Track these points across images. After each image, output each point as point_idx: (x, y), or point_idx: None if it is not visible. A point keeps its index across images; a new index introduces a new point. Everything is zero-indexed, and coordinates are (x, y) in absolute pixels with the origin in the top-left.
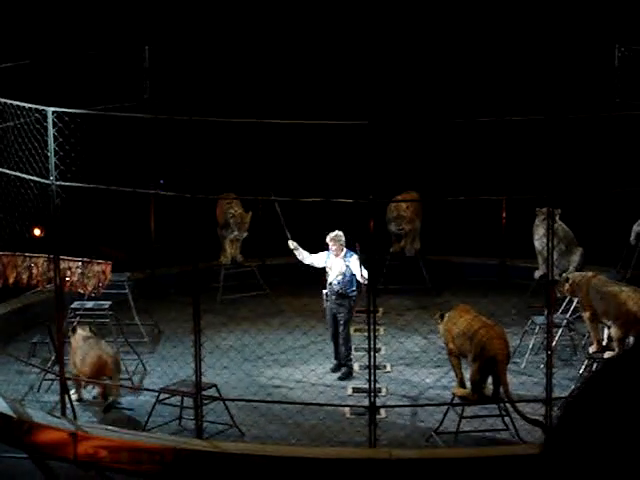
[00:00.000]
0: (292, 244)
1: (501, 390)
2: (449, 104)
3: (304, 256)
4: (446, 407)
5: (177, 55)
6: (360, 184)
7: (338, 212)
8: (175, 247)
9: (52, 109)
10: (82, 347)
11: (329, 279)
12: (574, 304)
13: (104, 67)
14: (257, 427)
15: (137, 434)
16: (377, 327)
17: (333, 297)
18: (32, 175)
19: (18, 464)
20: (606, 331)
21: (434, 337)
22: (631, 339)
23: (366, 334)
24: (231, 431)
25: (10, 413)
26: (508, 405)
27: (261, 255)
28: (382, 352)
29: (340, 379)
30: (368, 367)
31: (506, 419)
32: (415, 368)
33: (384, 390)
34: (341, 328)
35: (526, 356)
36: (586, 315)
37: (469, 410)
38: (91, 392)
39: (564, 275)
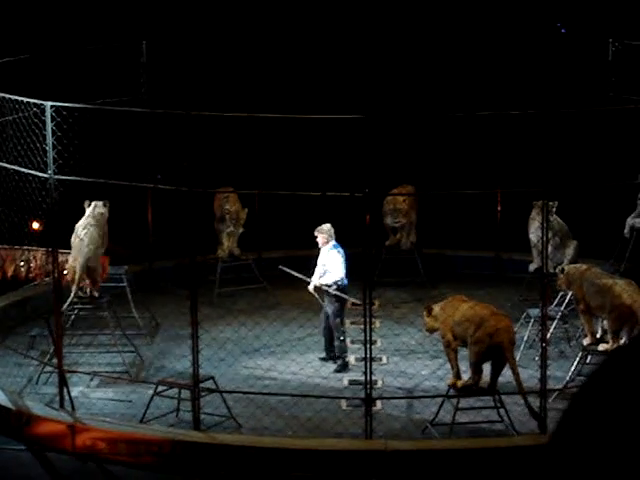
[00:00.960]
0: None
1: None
2: (445, 98)
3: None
4: (441, 399)
5: (174, 50)
6: (356, 177)
7: (334, 205)
8: (172, 240)
9: (50, 103)
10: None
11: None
12: (568, 297)
13: (102, 62)
14: (254, 419)
15: (135, 426)
16: (373, 320)
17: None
18: (31, 169)
19: (17, 456)
20: (600, 323)
21: None
22: (624, 331)
23: (362, 327)
24: (228, 423)
25: (9, 405)
26: (503, 397)
27: (258, 248)
28: (378, 344)
29: (336, 372)
30: (364, 359)
31: (501, 411)
32: (411, 360)
33: (380, 382)
34: (328, 321)
35: (521, 348)
36: (579, 307)
37: (464, 402)
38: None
39: (559, 267)
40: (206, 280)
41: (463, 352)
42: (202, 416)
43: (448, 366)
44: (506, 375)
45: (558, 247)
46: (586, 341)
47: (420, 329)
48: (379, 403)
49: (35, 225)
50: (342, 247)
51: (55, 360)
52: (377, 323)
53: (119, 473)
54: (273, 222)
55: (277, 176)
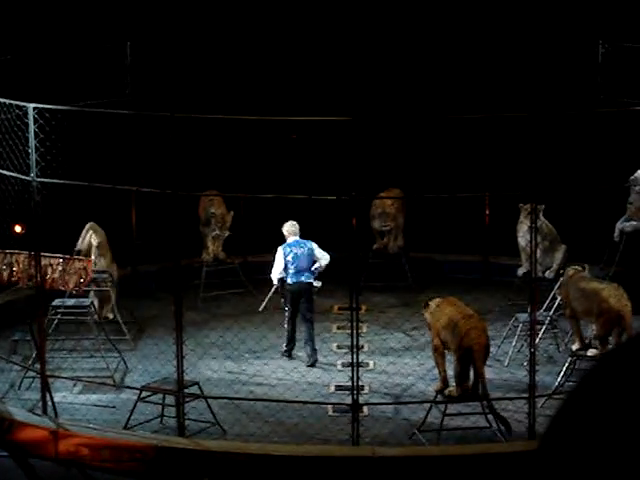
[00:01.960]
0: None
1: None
2: (433, 100)
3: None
4: (429, 404)
5: (159, 51)
6: (343, 180)
7: (321, 209)
8: (157, 244)
9: (33, 105)
10: None
11: None
12: (557, 301)
13: (86, 63)
14: (239, 425)
15: (119, 432)
16: (360, 324)
17: None
18: (13, 172)
19: None
20: (591, 329)
21: (417, 334)
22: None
23: (349, 331)
24: (213, 429)
25: None
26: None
27: (243, 252)
28: (365, 349)
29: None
30: (351, 365)
31: (489, 417)
32: (398, 365)
33: (367, 388)
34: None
35: (509, 353)
36: (566, 312)
37: (452, 407)
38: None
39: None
40: (191, 284)
41: (451, 358)
42: (187, 422)
43: (436, 371)
44: (493, 380)
45: (547, 251)
46: (575, 346)
47: (407, 334)
48: (366, 409)
49: (18, 228)
50: (299, 246)
51: (38, 365)
52: (364, 328)
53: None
54: (259, 226)
55: (263, 179)
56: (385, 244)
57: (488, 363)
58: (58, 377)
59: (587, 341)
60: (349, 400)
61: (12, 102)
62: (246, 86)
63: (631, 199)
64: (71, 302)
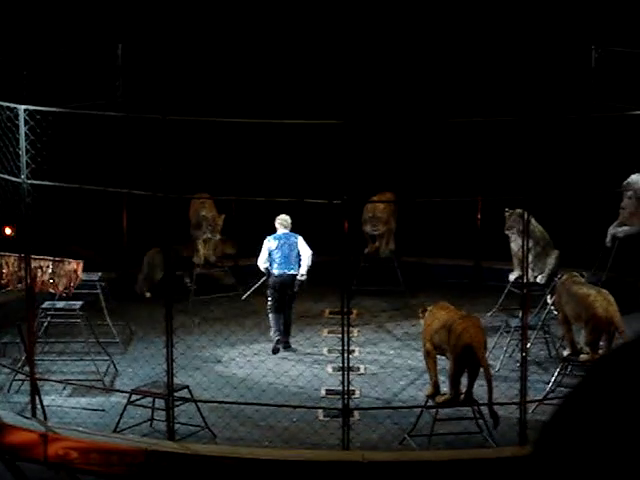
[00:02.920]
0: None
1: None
2: (426, 105)
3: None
4: (420, 409)
5: (151, 54)
6: (335, 184)
7: (312, 212)
8: (147, 247)
9: (24, 107)
10: None
11: None
12: (549, 306)
13: (77, 65)
14: (229, 429)
15: (108, 435)
16: (351, 329)
17: None
18: (3, 173)
19: None
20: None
21: (408, 339)
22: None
23: (340, 336)
24: (203, 433)
25: None
26: (483, 408)
27: (234, 256)
28: (356, 354)
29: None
30: (342, 369)
31: (480, 422)
32: (389, 370)
33: (357, 392)
34: None
35: (501, 358)
36: (559, 317)
37: (443, 412)
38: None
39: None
40: (181, 287)
41: (442, 363)
42: (176, 426)
43: (427, 376)
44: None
45: (539, 256)
46: (566, 352)
47: (398, 338)
48: (356, 413)
49: (7, 230)
50: (286, 238)
51: (27, 368)
52: (355, 332)
53: None
54: (250, 229)
55: (255, 182)
56: (377, 248)
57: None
58: (47, 380)
59: (578, 347)
60: (340, 404)
61: (3, 104)
62: (238, 89)
63: (624, 204)
64: (61, 305)
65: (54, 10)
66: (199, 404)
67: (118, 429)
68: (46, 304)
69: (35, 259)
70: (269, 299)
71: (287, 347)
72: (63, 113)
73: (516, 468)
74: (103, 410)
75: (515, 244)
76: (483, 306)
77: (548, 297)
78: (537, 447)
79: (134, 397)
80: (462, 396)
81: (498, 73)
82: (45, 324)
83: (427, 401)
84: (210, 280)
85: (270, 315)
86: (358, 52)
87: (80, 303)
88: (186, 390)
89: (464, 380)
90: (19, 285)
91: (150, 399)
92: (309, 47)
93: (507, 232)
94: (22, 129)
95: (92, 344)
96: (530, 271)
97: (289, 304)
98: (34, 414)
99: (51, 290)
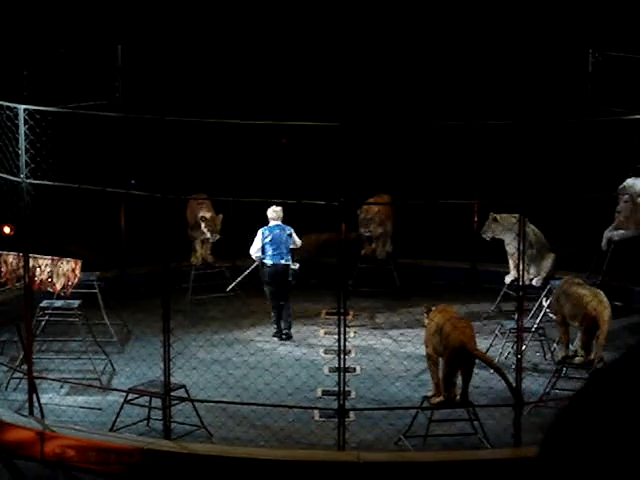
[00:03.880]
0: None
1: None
2: (422, 107)
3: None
4: (415, 410)
5: (150, 54)
6: (332, 186)
7: (310, 214)
8: (145, 247)
9: (23, 107)
10: None
11: None
12: (544, 309)
13: (77, 65)
14: (225, 428)
15: (105, 434)
16: (347, 329)
17: None
18: (2, 173)
19: None
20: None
21: (404, 340)
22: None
23: (336, 336)
24: (199, 432)
25: None
26: (477, 409)
27: (232, 256)
28: (352, 355)
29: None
30: (338, 370)
31: (475, 423)
32: (385, 371)
33: (353, 393)
34: None
35: (496, 361)
36: (557, 318)
37: (438, 414)
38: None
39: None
40: (179, 287)
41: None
42: (173, 425)
43: (422, 377)
44: (480, 388)
45: (535, 259)
46: (562, 354)
47: (395, 339)
48: (352, 414)
49: (6, 229)
50: (279, 230)
51: (25, 366)
52: (351, 333)
53: None
54: (248, 230)
55: (252, 183)
56: (373, 250)
57: (474, 370)
58: (45, 378)
59: (574, 349)
60: (335, 405)
61: (3, 103)
62: (236, 90)
63: (619, 208)
64: (59, 303)
65: (54, 10)
66: (196, 403)
67: (115, 428)
68: (44, 303)
69: (34, 258)
70: (265, 290)
71: (288, 337)
72: (63, 113)
73: (515, 469)
74: (100, 409)
75: (511, 247)
76: (479, 308)
77: (544, 300)
78: (544, 448)
79: (131, 396)
80: (457, 397)
81: (496, 77)
82: (43, 323)
83: (422, 402)
84: (209, 280)
85: (271, 304)
86: (355, 55)
87: (78, 302)
88: (183, 389)
89: (459, 382)
90: (17, 284)
91: (147, 398)
92: (307, 49)
93: (483, 235)
94: (22, 129)
95: (90, 343)
96: (525, 274)
97: (285, 294)
98: (31, 412)
99: (49, 289)
